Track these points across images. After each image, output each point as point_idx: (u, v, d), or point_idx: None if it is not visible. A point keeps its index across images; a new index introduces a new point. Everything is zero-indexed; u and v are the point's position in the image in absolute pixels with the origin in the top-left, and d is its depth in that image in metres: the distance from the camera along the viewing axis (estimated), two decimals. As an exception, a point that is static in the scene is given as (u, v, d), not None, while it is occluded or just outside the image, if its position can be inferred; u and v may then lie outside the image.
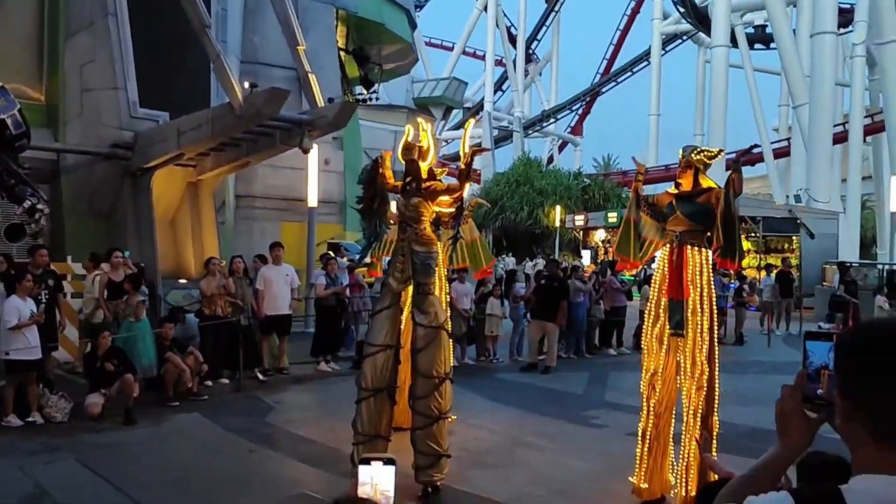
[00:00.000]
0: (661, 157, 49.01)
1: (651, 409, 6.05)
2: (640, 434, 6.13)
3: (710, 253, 5.93)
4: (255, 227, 15.66)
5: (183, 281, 12.65)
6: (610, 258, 20.12)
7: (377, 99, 24.24)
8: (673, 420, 6.12)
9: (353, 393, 6.43)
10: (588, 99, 57.24)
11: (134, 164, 12.34)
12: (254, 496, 5.98)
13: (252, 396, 9.85)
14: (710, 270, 5.93)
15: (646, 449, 6.07)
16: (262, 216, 15.83)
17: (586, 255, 31.29)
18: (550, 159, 55.99)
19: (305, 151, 12.15)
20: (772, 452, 1.43)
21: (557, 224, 36.09)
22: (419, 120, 6.85)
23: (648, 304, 6.18)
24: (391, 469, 1.38)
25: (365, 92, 23.38)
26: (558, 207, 36.92)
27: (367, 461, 1.38)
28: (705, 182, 6.02)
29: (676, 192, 6.10)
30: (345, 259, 14.42)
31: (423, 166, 6.48)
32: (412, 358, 6.41)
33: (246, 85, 11.36)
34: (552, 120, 57.13)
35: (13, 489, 5.97)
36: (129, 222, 12.45)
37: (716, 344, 5.91)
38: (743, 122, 48.30)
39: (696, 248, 5.93)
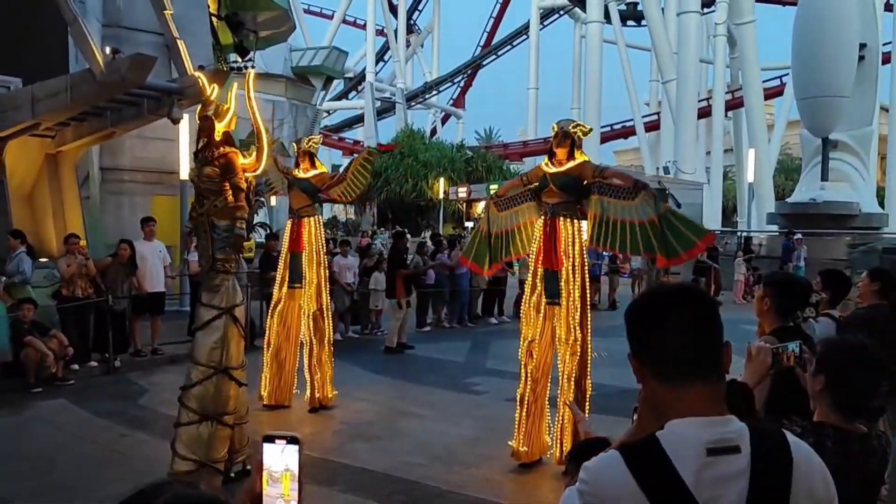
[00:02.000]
0: (540, 130, 50.24)
1: (529, 374, 6.27)
2: (518, 399, 6.35)
3: (581, 224, 6.17)
4: (124, 201, 14.85)
5: (44, 260, 11.84)
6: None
7: (253, 67, 23.43)
8: (549, 384, 6.37)
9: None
10: (470, 72, 57.69)
11: (-17, 135, 11.36)
12: (125, 482, 5.73)
13: (124, 379, 9.43)
14: (582, 241, 6.17)
15: (524, 413, 6.30)
16: (132, 190, 15.03)
17: (470, 227, 31.81)
18: (434, 131, 56.21)
19: (175, 122, 11.61)
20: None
21: (441, 196, 36.40)
22: (235, 84, 6.15)
23: (528, 274, 6.41)
24: (295, 448, 1.36)
25: (240, 60, 22.56)
26: (442, 179, 37.23)
27: (271, 439, 1.36)
28: (580, 156, 6.21)
29: (549, 166, 6.28)
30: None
31: (220, 127, 5.83)
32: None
33: (107, 51, 10.69)
34: (435, 92, 57.25)
35: None
36: (-23, 204, 11.48)
37: (588, 311, 6.18)
38: (617, 96, 50.27)
39: (569, 220, 6.16)
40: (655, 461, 1.36)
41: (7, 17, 12.13)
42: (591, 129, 6.58)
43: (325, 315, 8.17)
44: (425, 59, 61.37)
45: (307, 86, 26.92)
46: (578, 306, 6.10)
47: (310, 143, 8.36)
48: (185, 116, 12.06)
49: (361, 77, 54.25)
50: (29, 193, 12.28)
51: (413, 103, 55.63)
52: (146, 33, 14.29)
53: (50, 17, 11.59)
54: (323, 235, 8.36)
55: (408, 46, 56.62)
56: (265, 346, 8.29)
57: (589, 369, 6.13)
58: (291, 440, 1.35)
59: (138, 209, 14.08)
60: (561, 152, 6.21)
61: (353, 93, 57.27)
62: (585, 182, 6.08)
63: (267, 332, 8.26)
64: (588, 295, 6.23)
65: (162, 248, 11.10)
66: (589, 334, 6.15)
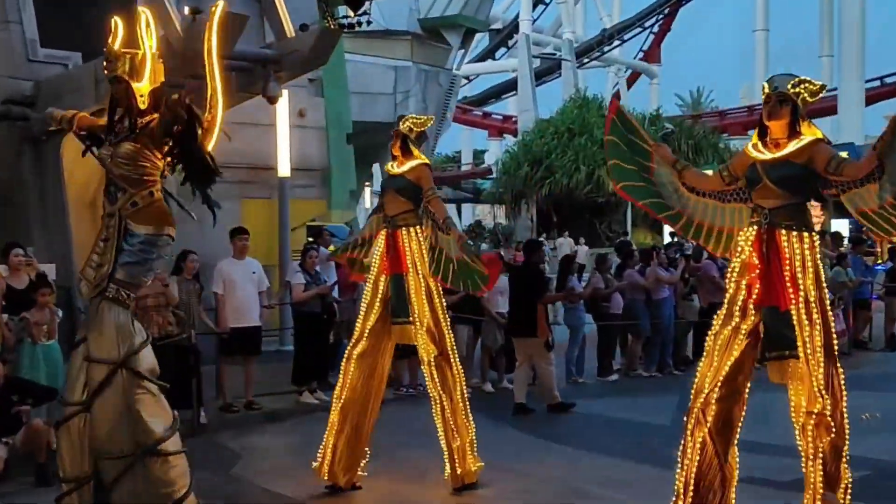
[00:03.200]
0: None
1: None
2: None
3: (814, 237, 5.81)
4: (208, 216, 15.72)
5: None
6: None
7: (369, 24, 24.25)
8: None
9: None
10: (667, 11, 56.84)
11: (36, 127, 12.50)
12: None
13: (212, 442, 9.99)
14: (817, 261, 5.76)
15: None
16: (217, 192, 15.81)
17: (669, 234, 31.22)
18: (616, 98, 55.75)
19: (272, 101, 12.23)
20: None
21: (628, 189, 35.95)
22: (142, 9, 6.01)
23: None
24: None
25: (352, 15, 23.36)
26: (629, 166, 36.77)
27: None
28: (809, 131, 5.72)
29: (759, 150, 5.81)
30: (330, 247, 14.49)
31: (141, 88, 5.65)
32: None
33: (186, 11, 11.42)
34: (616, 42, 56.83)
35: None
36: (33, 207, 12.62)
37: (837, 362, 5.75)
38: (890, 37, 47.76)
39: (795, 231, 5.71)
40: None
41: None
42: (822, 87, 5.93)
43: (452, 360, 8.07)
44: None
45: (440, 44, 27.46)
46: (821, 360, 5.64)
47: (407, 124, 8.10)
48: (285, 94, 12.65)
49: (514, 28, 54.71)
50: (92, 200, 13.26)
51: (586, 60, 55.48)
52: (232, -13, 15.18)
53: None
54: (425, 251, 8.02)
55: (578, -19, 56.67)
56: (334, 399, 8.13)
57: (846, 449, 5.77)
58: None
59: (226, 217, 14.82)
60: (777, 126, 5.74)
61: (503, 50, 57.81)
62: (817, 172, 5.63)
63: (340, 379, 8.10)
64: (833, 340, 5.76)
65: (257, 268, 11.66)
66: (843, 394, 5.76)
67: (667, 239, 28.34)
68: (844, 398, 5.73)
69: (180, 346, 10.42)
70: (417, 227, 7.94)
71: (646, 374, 14.22)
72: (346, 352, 8.12)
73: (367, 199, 33.21)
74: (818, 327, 5.59)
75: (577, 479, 8.46)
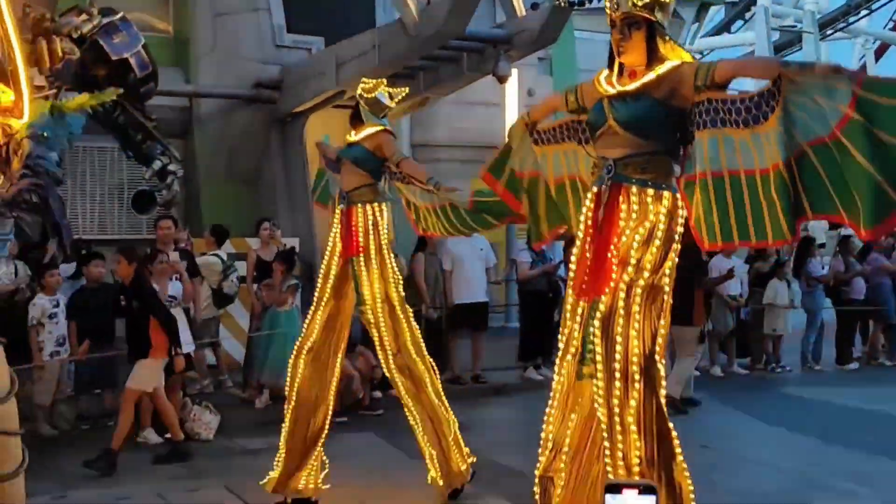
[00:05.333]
0: None
1: None
2: None
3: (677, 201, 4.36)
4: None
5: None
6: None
7: (599, 1, 24.06)
8: None
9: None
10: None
11: (282, 109, 13.21)
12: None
13: (439, 413, 10.30)
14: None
15: None
16: (448, 171, 16.17)
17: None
18: (862, 70, 52.65)
19: (502, 80, 12.36)
20: None
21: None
22: None
23: None
24: (651, 499, 1.45)
25: (583, -9, 23.26)
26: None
27: (617, 488, 1.45)
28: (673, 53, 4.34)
29: (607, 83, 4.46)
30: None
31: None
32: None
33: (424, -7, 11.65)
34: (863, 12, 53.55)
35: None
36: (279, 185, 13.34)
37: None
38: None
39: (651, 190, 4.30)
40: None
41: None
42: None
43: (413, 355, 6.88)
44: (848, -36, 57.77)
45: (674, 18, 26.86)
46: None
47: (362, 88, 7.00)
48: (514, 73, 12.75)
49: (751, 0, 52.71)
50: (333, 178, 14.00)
51: (829, 31, 52.64)
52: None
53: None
54: (386, 231, 6.90)
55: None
56: (287, 403, 6.88)
57: None
58: (646, 489, 1.41)
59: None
60: (631, 59, 4.35)
61: (739, 22, 55.84)
62: (683, 105, 4.24)
63: (289, 379, 6.86)
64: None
65: (485, 245, 11.87)
66: None
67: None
68: None
69: (429, 320, 10.91)
70: (375, 203, 6.83)
71: (889, 364, 13.60)
72: (296, 349, 6.87)
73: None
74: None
75: (813, 471, 8.15)
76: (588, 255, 4.38)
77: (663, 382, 4.20)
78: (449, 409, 6.95)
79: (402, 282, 6.95)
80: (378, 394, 10.51)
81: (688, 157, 4.34)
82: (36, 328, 8.84)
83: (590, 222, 4.39)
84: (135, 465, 8.17)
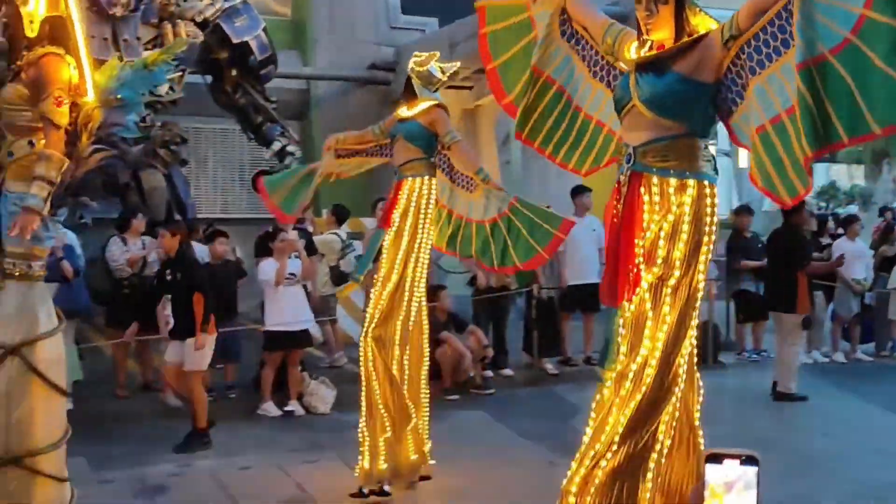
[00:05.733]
0: None
1: None
2: None
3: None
4: (551, 167, 16.01)
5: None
6: None
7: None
8: None
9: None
10: None
11: (396, 90, 13.29)
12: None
13: (550, 393, 10.35)
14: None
15: None
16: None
17: None
18: None
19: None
20: None
21: None
22: None
23: None
24: (752, 470, 1.46)
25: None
26: None
27: (717, 458, 1.47)
28: (701, 21, 4.12)
29: (633, 54, 4.22)
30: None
31: (31, 12, 4.53)
32: None
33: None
34: None
35: (273, 491, 6.88)
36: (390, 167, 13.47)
37: None
38: None
39: (675, 179, 4.09)
40: None
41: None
42: None
43: (387, 346, 6.61)
44: None
45: None
46: None
47: (414, 62, 6.93)
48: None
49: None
50: (444, 158, 14.11)
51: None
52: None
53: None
54: (433, 208, 6.74)
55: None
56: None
57: None
58: (747, 459, 1.41)
59: (568, 176, 15.07)
60: (661, 27, 4.06)
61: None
62: (710, 79, 4.04)
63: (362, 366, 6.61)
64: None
65: (598, 226, 11.73)
66: None
67: None
68: None
69: (541, 300, 10.98)
70: (425, 177, 6.70)
71: None
72: (364, 329, 6.65)
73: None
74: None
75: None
76: (614, 254, 4.20)
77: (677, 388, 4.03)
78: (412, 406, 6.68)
79: (428, 264, 6.80)
80: (489, 373, 10.58)
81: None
82: (163, 303, 9.14)
83: (614, 220, 4.21)
84: (255, 436, 8.49)
